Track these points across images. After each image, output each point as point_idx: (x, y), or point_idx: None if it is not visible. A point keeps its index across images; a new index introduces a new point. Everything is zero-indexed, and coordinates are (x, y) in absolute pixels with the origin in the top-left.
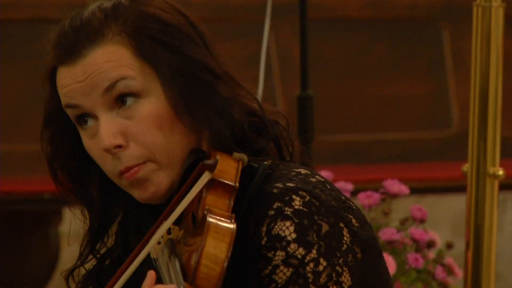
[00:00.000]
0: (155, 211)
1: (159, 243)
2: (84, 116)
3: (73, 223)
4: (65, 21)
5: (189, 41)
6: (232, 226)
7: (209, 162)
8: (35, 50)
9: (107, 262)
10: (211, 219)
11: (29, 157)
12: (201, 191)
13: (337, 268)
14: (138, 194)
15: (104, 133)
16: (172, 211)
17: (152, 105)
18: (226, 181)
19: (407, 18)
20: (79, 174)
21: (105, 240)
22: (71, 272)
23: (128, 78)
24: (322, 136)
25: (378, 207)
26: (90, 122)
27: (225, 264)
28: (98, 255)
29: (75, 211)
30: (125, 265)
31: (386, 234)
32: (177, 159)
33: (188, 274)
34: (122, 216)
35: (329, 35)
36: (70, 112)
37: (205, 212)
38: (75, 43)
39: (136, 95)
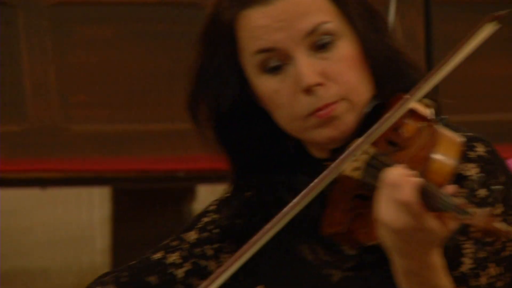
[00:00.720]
0: (310, 168)
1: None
2: (275, 61)
3: (206, 201)
4: None
5: None
6: (459, 139)
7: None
8: (164, 31)
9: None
10: (440, 129)
11: (165, 136)
12: (399, 119)
13: (510, 214)
14: (326, 133)
15: (306, 72)
16: (367, 136)
17: (346, 47)
18: (423, 114)
19: None
20: (235, 129)
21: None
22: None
23: (328, 23)
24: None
25: None
26: (283, 66)
27: (454, 165)
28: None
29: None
30: (315, 184)
31: None
32: (363, 101)
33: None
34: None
35: (453, 18)
36: (260, 57)
37: (421, 126)
38: None
39: (333, 38)
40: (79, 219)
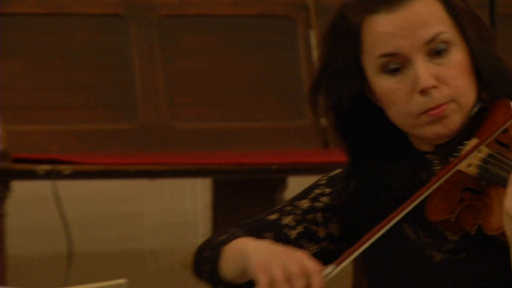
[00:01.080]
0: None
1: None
2: (395, 64)
3: (295, 190)
4: None
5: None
6: None
7: None
8: (258, 40)
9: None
10: None
11: (260, 133)
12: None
13: None
14: (435, 130)
15: (423, 75)
16: (484, 139)
17: (458, 55)
18: None
19: None
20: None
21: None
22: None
23: (445, 33)
24: None
25: None
26: (402, 69)
27: None
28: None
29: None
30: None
31: None
32: (470, 104)
33: None
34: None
35: None
36: (382, 60)
37: None
38: None
39: (448, 46)
40: (184, 207)
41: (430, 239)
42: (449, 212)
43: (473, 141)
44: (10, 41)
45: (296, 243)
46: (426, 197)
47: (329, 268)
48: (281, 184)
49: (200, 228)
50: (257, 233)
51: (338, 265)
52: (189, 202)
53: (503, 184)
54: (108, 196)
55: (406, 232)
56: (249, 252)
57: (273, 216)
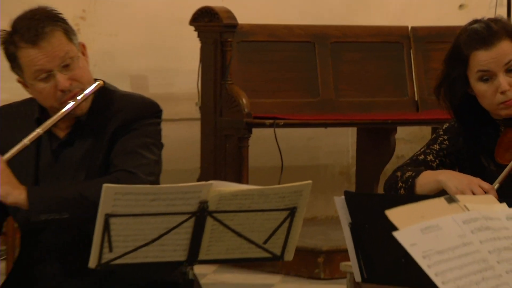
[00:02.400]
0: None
1: None
2: (486, 76)
3: (401, 135)
4: (475, 25)
5: None
6: None
7: None
8: None
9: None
10: None
11: (380, 104)
12: None
13: None
14: (507, 112)
15: (503, 83)
16: None
17: None
18: None
19: None
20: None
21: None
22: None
23: None
24: None
25: None
26: (490, 79)
27: None
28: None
29: None
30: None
31: None
32: None
33: None
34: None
35: None
36: (479, 74)
37: None
38: (492, 34)
39: None
40: (342, 142)
41: (495, 168)
42: (509, 160)
43: None
44: (249, 56)
45: (437, 169)
46: (495, 140)
47: (496, 185)
48: (393, 131)
49: (350, 153)
50: (417, 165)
51: (498, 183)
52: (345, 139)
53: None
54: (302, 135)
55: (482, 160)
56: (443, 179)
57: (421, 157)
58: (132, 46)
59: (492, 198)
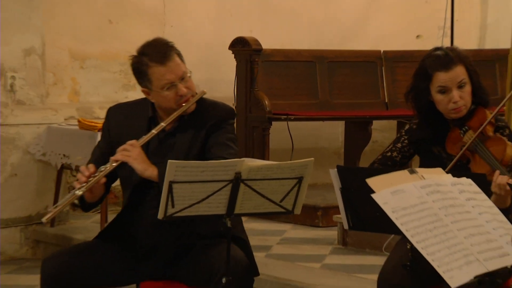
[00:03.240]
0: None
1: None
2: (443, 90)
3: (377, 126)
4: (437, 52)
5: None
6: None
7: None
8: None
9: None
10: (504, 138)
11: (358, 105)
12: (488, 123)
13: None
14: (456, 115)
15: (456, 96)
16: (478, 130)
17: (468, 87)
18: (492, 121)
19: None
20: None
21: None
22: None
23: (465, 78)
24: None
25: None
26: (445, 92)
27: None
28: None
29: None
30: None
31: None
32: (469, 106)
33: (497, 158)
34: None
35: None
36: (439, 88)
37: (495, 134)
38: (449, 61)
39: (466, 82)
40: (333, 131)
41: (446, 155)
42: (455, 153)
43: (469, 134)
44: (270, 71)
45: (401, 162)
46: (445, 134)
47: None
48: (370, 123)
49: (340, 139)
50: (386, 163)
51: (450, 167)
52: (336, 129)
53: (485, 160)
54: (307, 126)
55: (435, 150)
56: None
57: (388, 154)
58: (190, 63)
59: (441, 170)
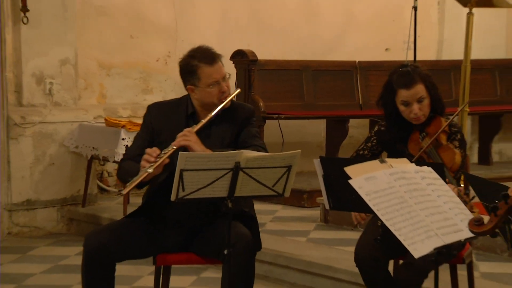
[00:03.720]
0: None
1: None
2: (406, 103)
3: (355, 124)
4: (402, 69)
5: None
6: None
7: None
8: None
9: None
10: (452, 146)
11: (338, 107)
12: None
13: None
14: (417, 121)
15: (416, 109)
16: (434, 136)
17: (427, 101)
18: (446, 130)
19: None
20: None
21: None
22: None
23: (424, 94)
24: None
25: None
26: (408, 105)
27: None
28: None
29: None
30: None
31: None
32: (427, 115)
33: (447, 165)
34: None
35: None
36: (403, 101)
37: (447, 143)
38: (411, 80)
39: (424, 99)
40: (316, 132)
41: (408, 155)
42: (415, 153)
43: (426, 141)
44: (264, 78)
45: (370, 159)
46: (407, 135)
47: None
48: (347, 121)
49: (322, 134)
50: (360, 160)
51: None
52: (319, 126)
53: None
54: (295, 123)
55: (399, 148)
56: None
57: (360, 152)
58: None
59: (407, 160)
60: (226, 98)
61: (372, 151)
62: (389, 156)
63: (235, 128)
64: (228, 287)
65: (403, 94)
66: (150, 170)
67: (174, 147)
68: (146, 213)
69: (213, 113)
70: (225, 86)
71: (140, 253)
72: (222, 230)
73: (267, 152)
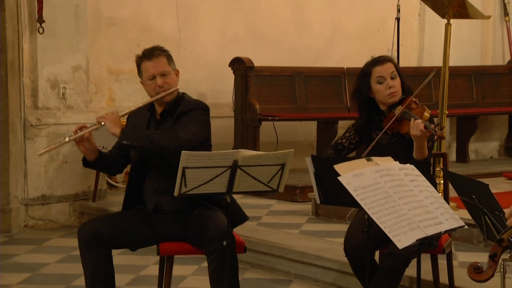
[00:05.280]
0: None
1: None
2: (381, 80)
3: (341, 124)
4: (372, 57)
5: None
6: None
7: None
8: None
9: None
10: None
11: (326, 109)
12: (411, 101)
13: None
14: (392, 100)
15: (391, 83)
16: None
17: (398, 79)
18: (414, 101)
19: None
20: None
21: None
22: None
23: (394, 71)
24: None
25: None
26: (383, 81)
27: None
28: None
29: None
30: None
31: None
32: (400, 94)
33: (418, 116)
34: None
35: None
36: (377, 79)
37: (419, 105)
38: (381, 60)
39: (396, 75)
40: (307, 128)
41: (383, 135)
42: (389, 125)
43: (399, 108)
44: (260, 83)
45: (348, 147)
46: (382, 118)
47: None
48: (336, 123)
49: (313, 134)
50: (337, 147)
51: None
52: (311, 127)
53: (409, 119)
54: (288, 125)
55: (374, 133)
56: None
57: (339, 141)
58: (199, 78)
59: (391, 159)
60: (160, 93)
61: (349, 140)
62: (366, 145)
63: (173, 120)
64: (212, 279)
65: (377, 70)
66: (67, 139)
67: (96, 124)
68: (135, 205)
69: (140, 104)
70: (161, 81)
71: (132, 242)
72: (202, 220)
73: (186, 139)
